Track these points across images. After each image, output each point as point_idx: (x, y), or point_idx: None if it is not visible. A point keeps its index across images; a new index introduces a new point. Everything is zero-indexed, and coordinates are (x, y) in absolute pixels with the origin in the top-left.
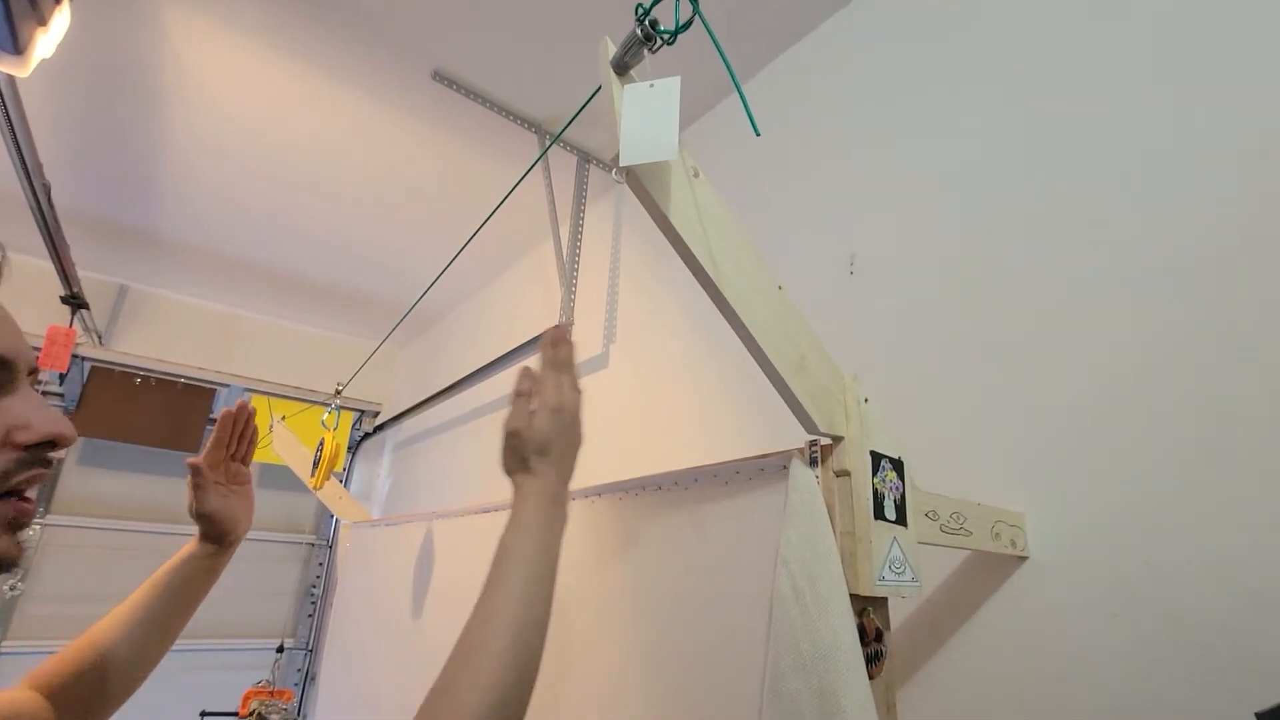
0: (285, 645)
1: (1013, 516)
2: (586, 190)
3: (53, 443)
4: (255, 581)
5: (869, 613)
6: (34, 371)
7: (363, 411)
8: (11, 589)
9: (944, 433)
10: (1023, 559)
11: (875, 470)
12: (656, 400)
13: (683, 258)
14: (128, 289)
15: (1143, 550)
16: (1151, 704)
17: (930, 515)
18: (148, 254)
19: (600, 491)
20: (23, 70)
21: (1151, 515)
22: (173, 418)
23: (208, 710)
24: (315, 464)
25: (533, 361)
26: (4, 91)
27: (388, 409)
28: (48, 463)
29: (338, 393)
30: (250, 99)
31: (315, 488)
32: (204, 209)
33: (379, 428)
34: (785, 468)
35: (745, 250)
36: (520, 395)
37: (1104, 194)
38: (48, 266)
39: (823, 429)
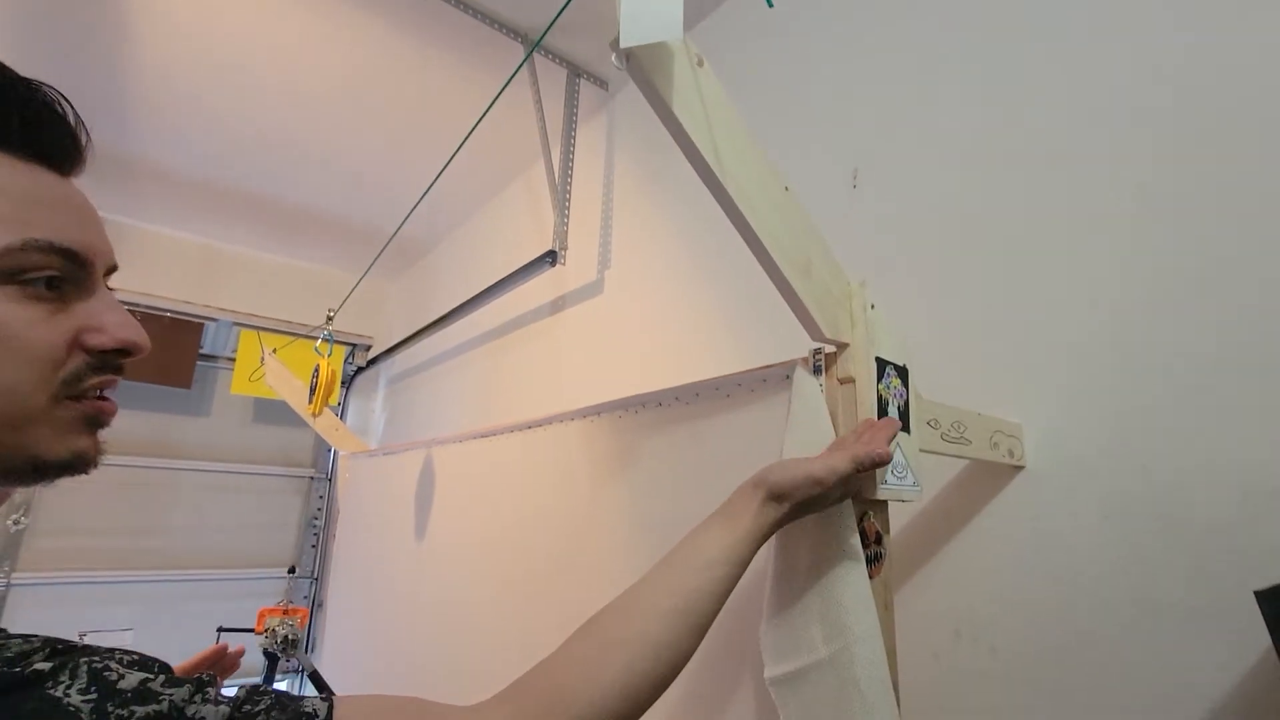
0: (295, 569)
1: (1011, 427)
2: (578, 108)
3: (126, 350)
4: (258, 514)
5: (869, 516)
6: (112, 270)
7: (355, 345)
8: (15, 523)
9: (945, 346)
10: (1019, 468)
11: (880, 376)
12: (653, 325)
13: (685, 152)
14: (106, 221)
15: (1137, 455)
16: (1142, 601)
17: (932, 424)
18: (124, 183)
19: (599, 410)
20: None
21: (1145, 422)
22: (162, 352)
23: (224, 626)
24: (312, 390)
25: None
26: None
27: (380, 343)
28: (119, 368)
29: (330, 319)
30: (219, 9)
31: (314, 414)
32: (176, 132)
33: (372, 361)
34: (788, 378)
35: (751, 146)
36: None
37: (1105, 104)
38: None
39: (828, 335)
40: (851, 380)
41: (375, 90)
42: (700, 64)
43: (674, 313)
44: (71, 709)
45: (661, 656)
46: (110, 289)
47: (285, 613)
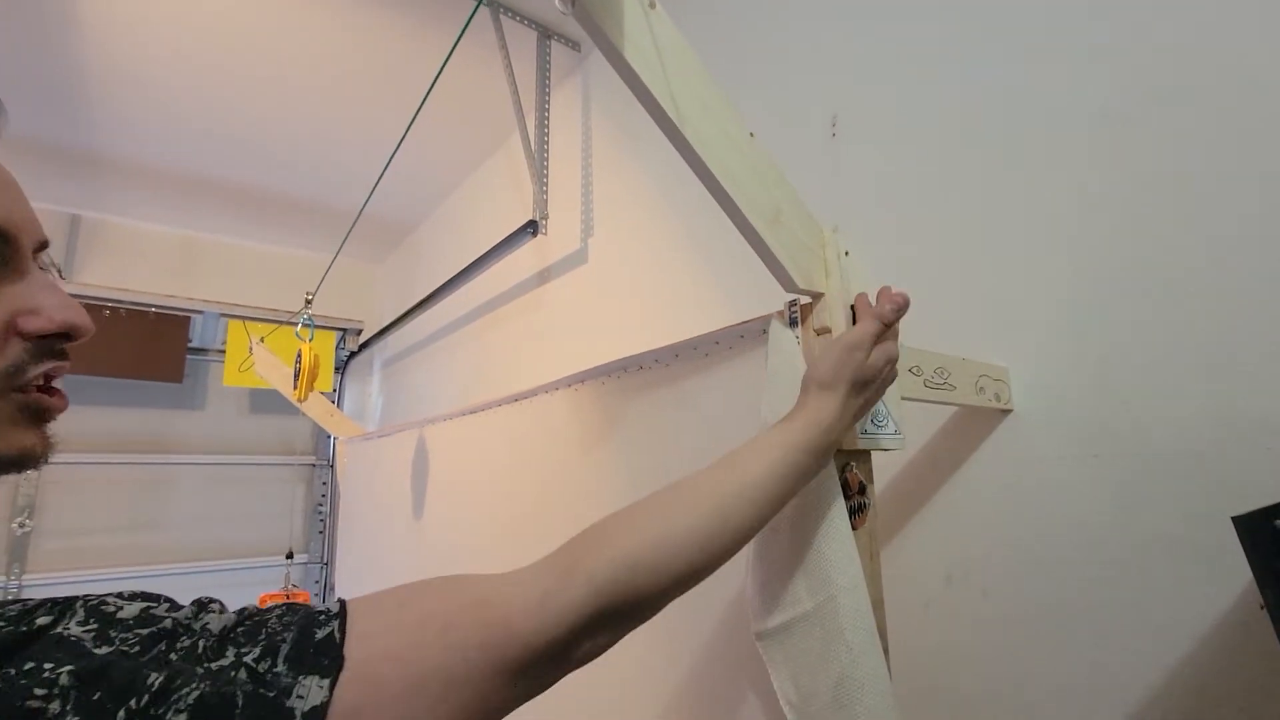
0: (293, 554)
1: (996, 370)
2: (550, 71)
3: (68, 334)
4: (262, 504)
5: (851, 467)
6: (42, 247)
7: (345, 330)
8: (20, 526)
9: (929, 292)
10: (1006, 411)
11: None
12: (641, 290)
13: (641, 101)
14: (80, 218)
15: (1118, 392)
16: (1129, 536)
17: (914, 371)
18: (91, 177)
19: (583, 378)
20: None
21: (1124, 358)
22: (150, 348)
23: None
24: (296, 376)
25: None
26: None
27: (371, 326)
28: (63, 354)
29: (308, 302)
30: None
31: (299, 400)
32: (141, 124)
33: (364, 345)
34: (765, 332)
35: (712, 93)
36: (884, 323)
37: (1087, 23)
38: None
39: (801, 285)
40: (828, 330)
41: (339, 66)
42: (653, 6)
43: (661, 275)
44: (73, 639)
45: (711, 529)
46: (43, 269)
47: (288, 597)
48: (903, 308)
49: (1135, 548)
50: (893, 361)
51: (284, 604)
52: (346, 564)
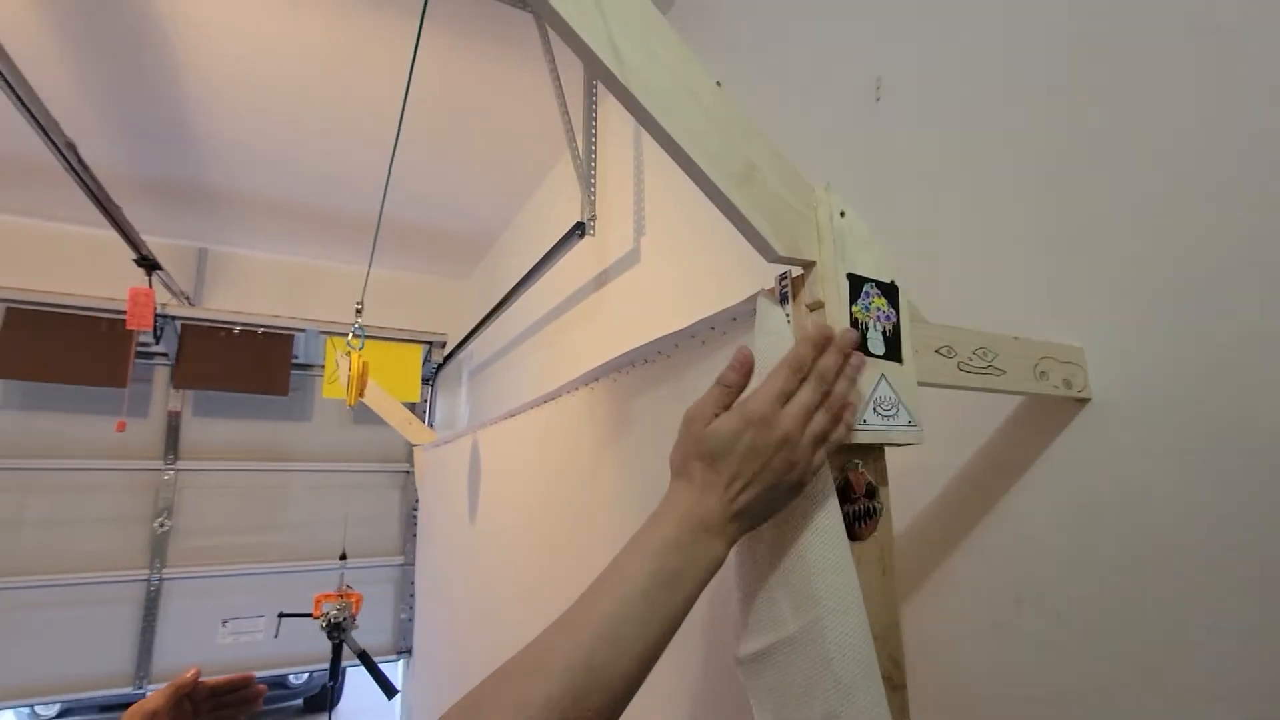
0: (346, 556)
1: (1067, 351)
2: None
3: None
4: (363, 508)
5: (856, 465)
6: None
7: (430, 343)
8: (160, 525)
9: (987, 267)
10: (1082, 401)
11: (855, 297)
12: (690, 285)
13: (576, 51)
14: (207, 251)
15: (1234, 378)
16: (1244, 558)
17: (944, 351)
18: (213, 213)
19: (596, 376)
20: None
21: (1244, 335)
22: (259, 364)
23: (284, 612)
24: (348, 382)
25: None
26: None
27: (455, 339)
28: None
29: (358, 312)
30: (258, 45)
31: (350, 404)
32: (246, 162)
33: (448, 357)
34: (754, 312)
35: (662, 37)
36: (723, 385)
37: None
38: (115, 236)
39: (783, 253)
40: (821, 305)
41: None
42: None
43: (711, 268)
44: None
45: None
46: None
47: (341, 596)
48: (742, 364)
49: (1254, 574)
50: (766, 417)
51: None
52: (423, 567)
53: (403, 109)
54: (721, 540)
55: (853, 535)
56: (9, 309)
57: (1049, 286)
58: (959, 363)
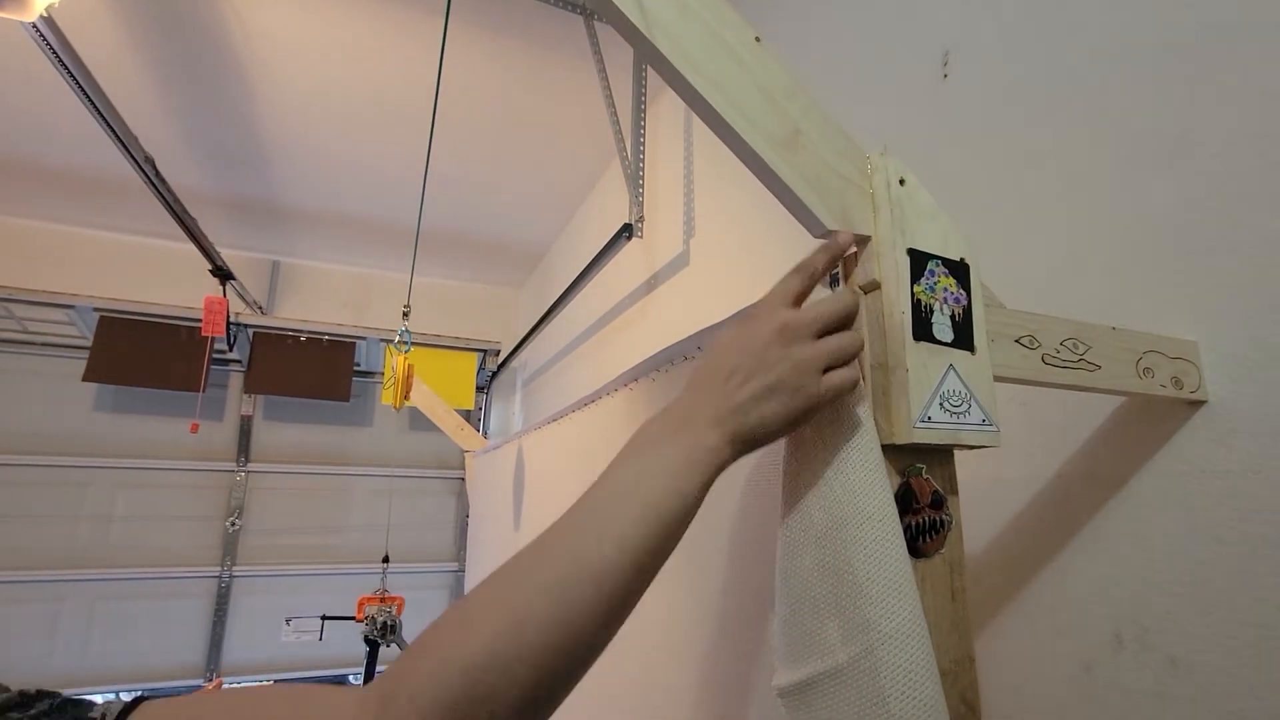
0: (389, 559)
1: (1176, 345)
2: (646, 78)
3: None
4: (419, 513)
5: (920, 470)
6: None
7: (485, 351)
8: (232, 524)
9: (1076, 253)
10: (1196, 404)
11: (918, 276)
12: (740, 287)
13: (597, 7)
14: (279, 264)
15: None
16: None
17: (1025, 341)
18: (282, 227)
19: (635, 376)
20: (27, 14)
21: None
22: (324, 370)
23: (327, 615)
24: (393, 384)
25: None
26: (75, 71)
27: (510, 347)
28: None
29: (405, 316)
30: (327, 65)
31: (396, 408)
32: (318, 181)
33: (502, 364)
34: None
35: None
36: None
37: None
38: (193, 249)
39: (832, 225)
40: (877, 285)
41: (465, 102)
42: None
43: (760, 270)
44: None
45: (570, 587)
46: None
47: (382, 600)
48: (827, 246)
49: None
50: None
51: (58, 699)
52: (472, 573)
53: (434, 116)
54: (717, 431)
55: (915, 551)
56: (102, 318)
57: (1155, 270)
58: (1044, 355)
